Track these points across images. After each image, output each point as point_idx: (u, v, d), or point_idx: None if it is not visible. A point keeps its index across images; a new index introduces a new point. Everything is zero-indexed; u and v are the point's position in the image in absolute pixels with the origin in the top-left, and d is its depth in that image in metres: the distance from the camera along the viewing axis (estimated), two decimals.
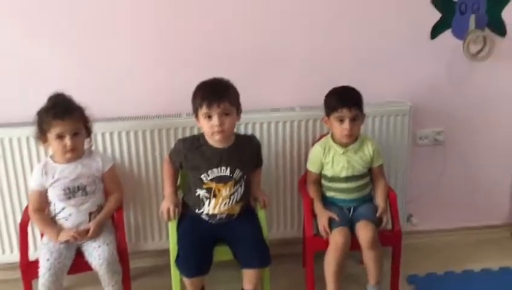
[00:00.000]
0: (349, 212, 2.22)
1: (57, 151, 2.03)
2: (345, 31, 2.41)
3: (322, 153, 2.22)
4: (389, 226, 2.20)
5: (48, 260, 1.95)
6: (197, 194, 2.07)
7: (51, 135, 1.98)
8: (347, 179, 2.20)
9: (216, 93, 1.96)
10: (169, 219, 2.08)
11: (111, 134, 2.29)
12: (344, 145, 2.20)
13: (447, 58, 2.50)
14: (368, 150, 2.22)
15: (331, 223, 2.12)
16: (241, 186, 2.08)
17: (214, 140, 2.03)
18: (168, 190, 2.13)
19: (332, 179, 2.23)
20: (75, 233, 2.00)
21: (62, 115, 1.97)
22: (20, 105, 2.26)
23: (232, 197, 2.07)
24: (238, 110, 2.05)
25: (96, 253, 2.00)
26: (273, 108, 2.41)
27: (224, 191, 2.05)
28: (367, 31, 2.42)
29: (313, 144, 2.33)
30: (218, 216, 2.08)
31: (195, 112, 2.02)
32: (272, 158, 2.40)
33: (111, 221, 2.17)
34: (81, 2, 2.24)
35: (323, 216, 2.15)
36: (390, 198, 2.24)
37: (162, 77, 2.36)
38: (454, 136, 2.61)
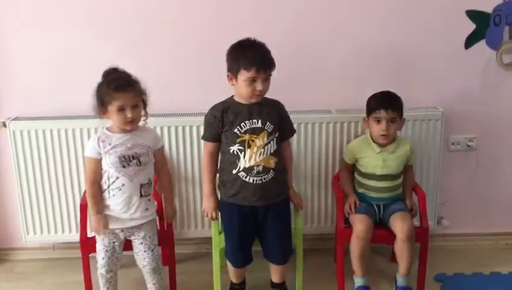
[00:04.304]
0: (379, 209, 2.33)
1: (117, 123, 2.06)
2: (381, 39, 2.54)
3: (356, 149, 2.35)
4: (417, 223, 2.31)
5: (103, 258, 2.14)
6: (231, 151, 2.10)
7: (112, 107, 2.01)
8: (381, 177, 2.31)
9: (265, 61, 2.04)
10: (212, 219, 2.23)
11: (161, 128, 2.49)
12: (382, 145, 2.31)
13: (480, 67, 2.59)
14: (405, 149, 2.33)
15: (356, 208, 2.28)
16: (273, 140, 2.12)
17: (249, 101, 2.09)
18: (206, 187, 2.19)
19: (367, 175, 2.34)
20: (107, 225, 2.10)
21: (124, 88, 2.00)
22: (85, 99, 2.44)
23: (266, 148, 2.10)
24: None
25: (142, 257, 2.18)
26: (310, 110, 2.57)
27: (258, 141, 2.09)
28: (403, 40, 2.54)
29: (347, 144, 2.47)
30: (255, 169, 2.09)
31: (235, 72, 2.05)
32: (308, 157, 2.56)
33: (155, 222, 2.24)
34: (149, 5, 2.45)
35: (351, 197, 2.31)
36: (419, 196, 2.35)
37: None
38: (486, 143, 2.68)
